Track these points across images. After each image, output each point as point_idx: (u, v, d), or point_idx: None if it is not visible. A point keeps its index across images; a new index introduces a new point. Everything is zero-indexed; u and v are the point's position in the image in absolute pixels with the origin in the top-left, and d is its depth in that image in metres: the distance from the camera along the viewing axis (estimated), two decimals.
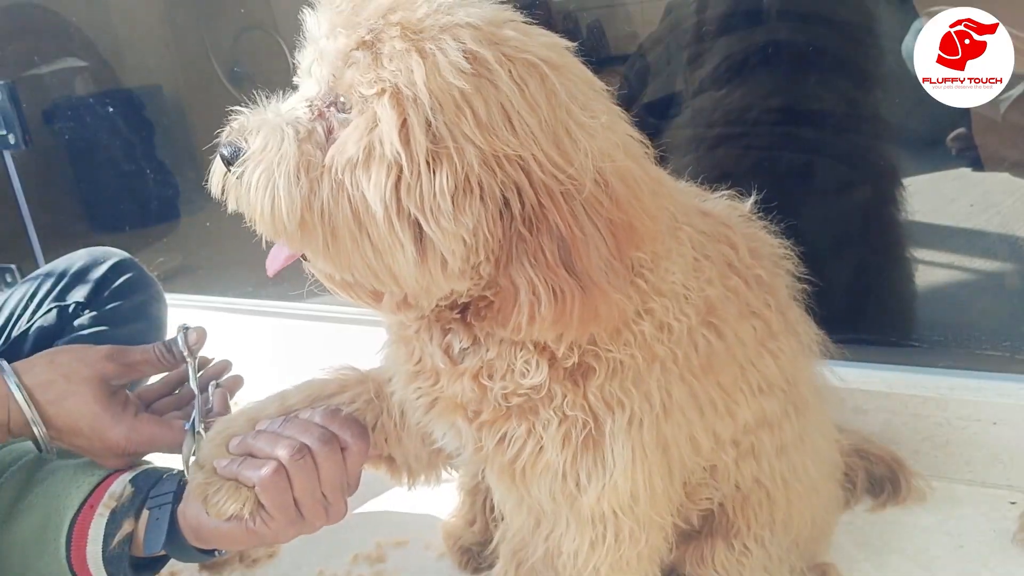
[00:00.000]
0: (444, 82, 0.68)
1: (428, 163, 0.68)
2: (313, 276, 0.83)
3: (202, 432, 0.99)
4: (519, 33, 0.73)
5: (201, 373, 1.08)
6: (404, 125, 0.68)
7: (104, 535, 0.95)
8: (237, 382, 1.09)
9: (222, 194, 0.79)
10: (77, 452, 0.99)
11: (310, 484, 0.91)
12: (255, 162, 0.73)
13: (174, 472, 1.02)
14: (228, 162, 0.76)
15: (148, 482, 0.99)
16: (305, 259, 0.80)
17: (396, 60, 0.69)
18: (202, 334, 1.06)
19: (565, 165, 0.70)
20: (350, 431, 0.96)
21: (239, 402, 1.78)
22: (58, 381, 0.95)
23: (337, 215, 0.71)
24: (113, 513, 0.96)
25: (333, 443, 0.93)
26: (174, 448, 1.01)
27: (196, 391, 1.01)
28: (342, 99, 0.73)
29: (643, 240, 0.75)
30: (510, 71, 0.69)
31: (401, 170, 0.68)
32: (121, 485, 0.98)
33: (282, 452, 0.91)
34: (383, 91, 0.69)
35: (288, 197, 0.71)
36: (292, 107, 0.76)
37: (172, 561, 1.06)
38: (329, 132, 0.74)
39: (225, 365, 1.07)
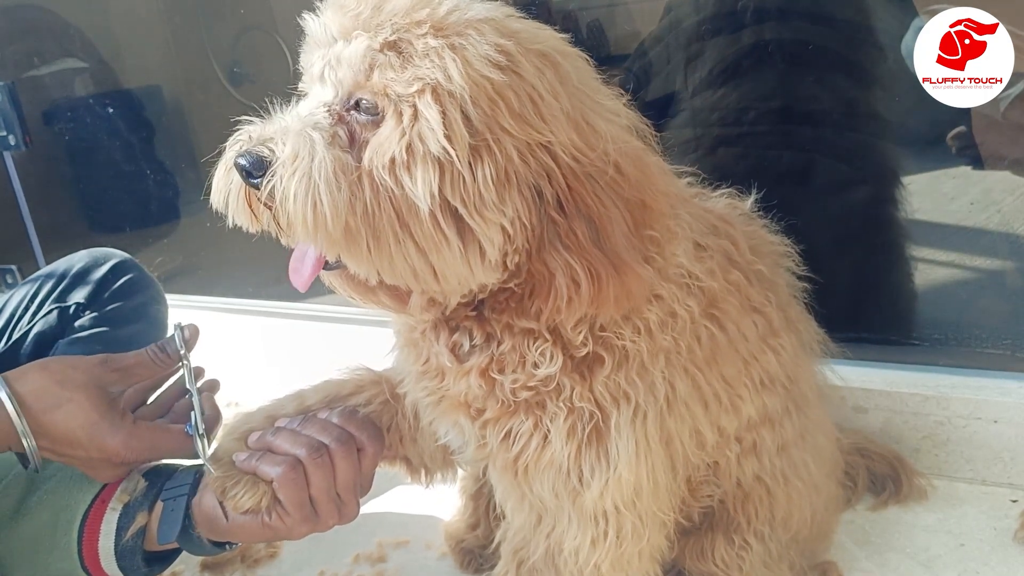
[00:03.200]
0: (478, 75, 0.68)
1: (471, 156, 0.69)
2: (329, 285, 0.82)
3: (204, 431, 0.99)
4: (524, 25, 0.74)
5: (178, 377, 1.06)
6: (446, 120, 0.68)
7: (117, 529, 0.95)
8: (214, 386, 1.07)
9: (224, 205, 0.77)
10: (71, 465, 0.95)
11: (326, 483, 0.92)
12: (289, 171, 0.71)
13: (188, 467, 1.01)
14: (248, 173, 0.73)
15: (162, 476, 0.99)
16: (327, 268, 0.80)
17: (430, 57, 0.69)
18: (195, 331, 1.04)
19: (587, 149, 0.72)
20: (366, 433, 0.97)
21: (239, 402, 1.80)
22: (52, 388, 0.91)
23: (380, 217, 0.70)
24: (126, 507, 0.96)
25: (350, 444, 0.94)
26: (175, 454, 1.00)
27: (193, 391, 1.00)
28: (365, 101, 0.72)
29: (655, 218, 0.77)
30: (528, 61, 0.71)
31: (446, 165, 0.69)
32: (134, 480, 0.98)
33: (301, 450, 0.92)
34: (423, 89, 0.69)
35: (332, 203, 0.70)
36: (311, 112, 0.75)
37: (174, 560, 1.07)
38: (351, 135, 0.73)
39: (200, 371, 1.06)
